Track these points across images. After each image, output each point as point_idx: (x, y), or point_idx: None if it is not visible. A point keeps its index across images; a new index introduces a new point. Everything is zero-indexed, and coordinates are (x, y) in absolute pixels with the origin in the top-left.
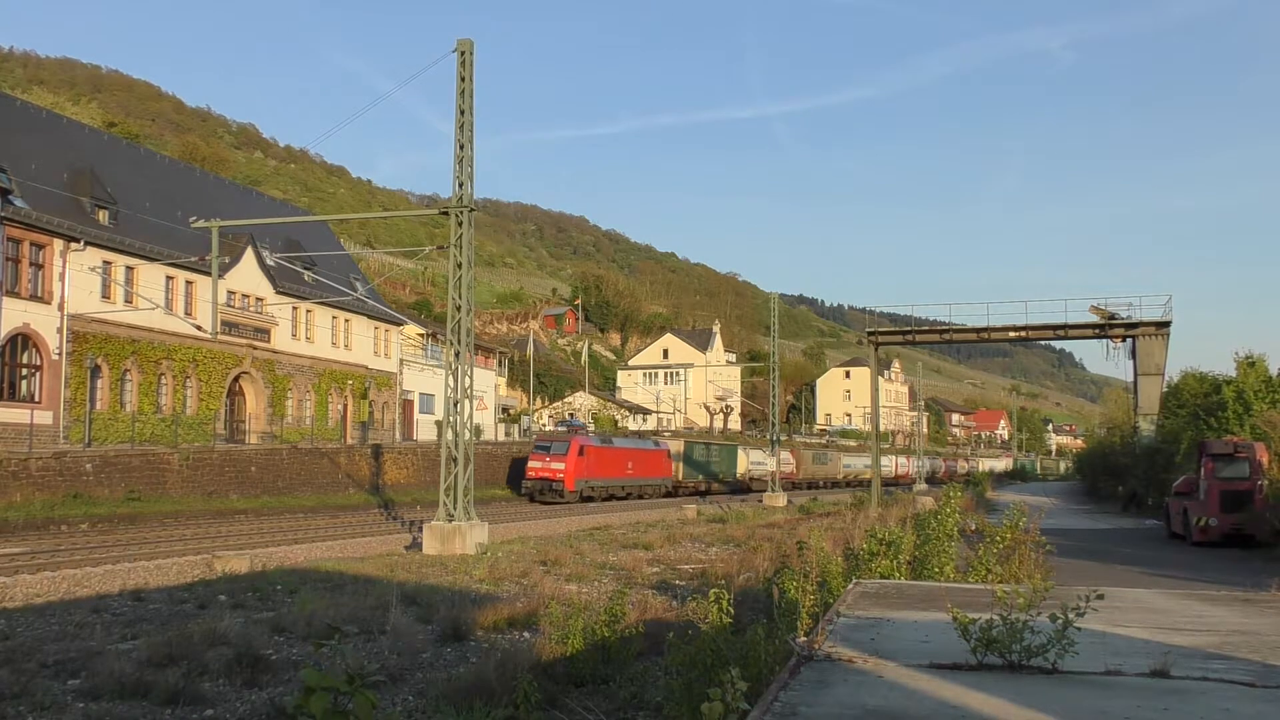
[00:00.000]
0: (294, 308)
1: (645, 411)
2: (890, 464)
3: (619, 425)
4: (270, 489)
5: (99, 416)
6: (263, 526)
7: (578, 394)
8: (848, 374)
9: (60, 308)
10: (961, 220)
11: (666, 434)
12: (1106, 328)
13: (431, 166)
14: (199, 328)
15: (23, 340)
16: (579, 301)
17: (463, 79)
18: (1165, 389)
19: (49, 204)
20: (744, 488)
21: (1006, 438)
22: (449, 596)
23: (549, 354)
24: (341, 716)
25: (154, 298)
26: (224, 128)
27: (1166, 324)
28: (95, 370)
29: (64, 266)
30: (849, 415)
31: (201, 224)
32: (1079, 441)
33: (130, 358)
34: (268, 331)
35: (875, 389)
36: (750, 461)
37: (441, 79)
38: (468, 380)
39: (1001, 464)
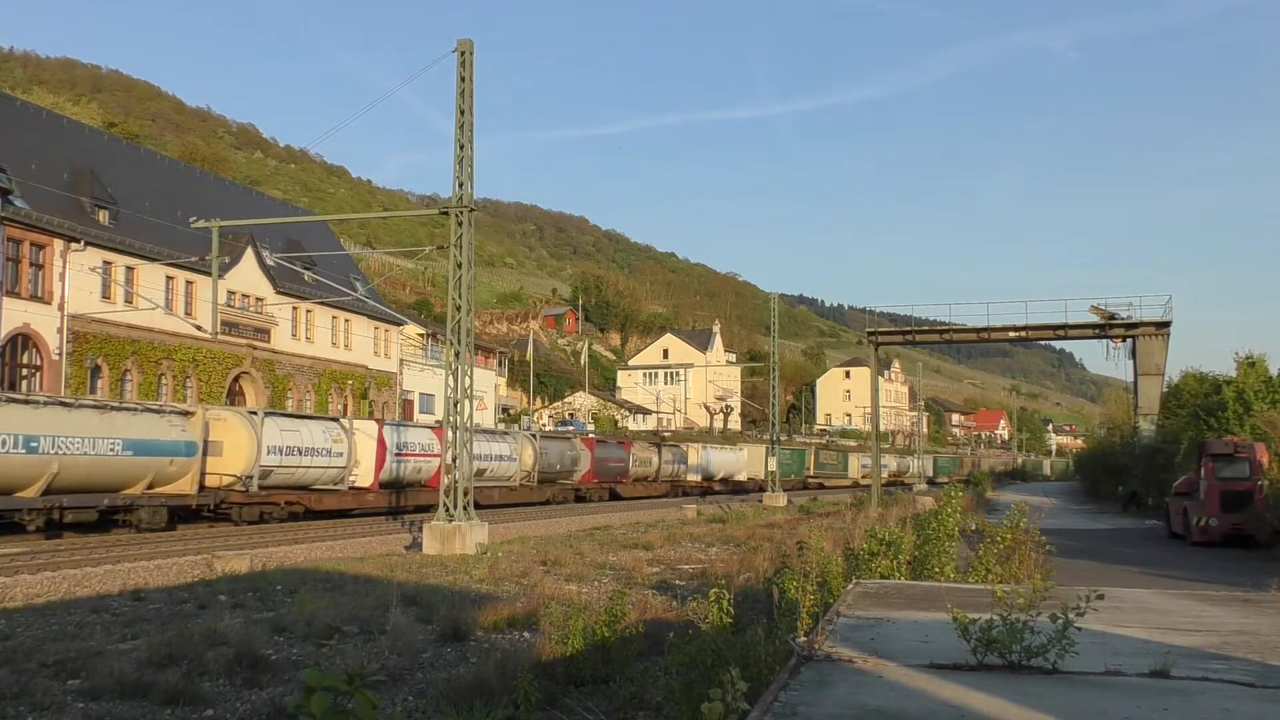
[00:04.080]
0: (294, 308)
1: (645, 411)
2: (506, 453)
3: (619, 425)
4: None
5: None
6: (262, 526)
7: (578, 394)
8: (848, 374)
9: (60, 308)
10: (962, 220)
11: (667, 434)
12: (1106, 328)
13: (432, 166)
14: (199, 328)
15: (23, 340)
16: (582, 301)
17: (463, 79)
18: (1165, 389)
19: (49, 204)
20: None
21: (1006, 438)
22: (449, 596)
23: (549, 354)
24: (342, 716)
25: (154, 298)
26: (224, 128)
27: (1166, 324)
28: (95, 370)
29: (64, 266)
30: (849, 415)
31: (201, 224)
32: (1079, 441)
33: (130, 358)
34: (268, 331)
35: (875, 389)
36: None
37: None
38: (468, 380)
39: (737, 463)
